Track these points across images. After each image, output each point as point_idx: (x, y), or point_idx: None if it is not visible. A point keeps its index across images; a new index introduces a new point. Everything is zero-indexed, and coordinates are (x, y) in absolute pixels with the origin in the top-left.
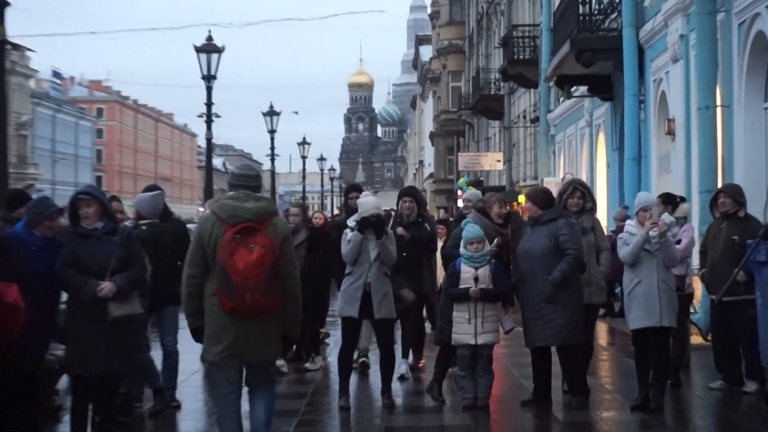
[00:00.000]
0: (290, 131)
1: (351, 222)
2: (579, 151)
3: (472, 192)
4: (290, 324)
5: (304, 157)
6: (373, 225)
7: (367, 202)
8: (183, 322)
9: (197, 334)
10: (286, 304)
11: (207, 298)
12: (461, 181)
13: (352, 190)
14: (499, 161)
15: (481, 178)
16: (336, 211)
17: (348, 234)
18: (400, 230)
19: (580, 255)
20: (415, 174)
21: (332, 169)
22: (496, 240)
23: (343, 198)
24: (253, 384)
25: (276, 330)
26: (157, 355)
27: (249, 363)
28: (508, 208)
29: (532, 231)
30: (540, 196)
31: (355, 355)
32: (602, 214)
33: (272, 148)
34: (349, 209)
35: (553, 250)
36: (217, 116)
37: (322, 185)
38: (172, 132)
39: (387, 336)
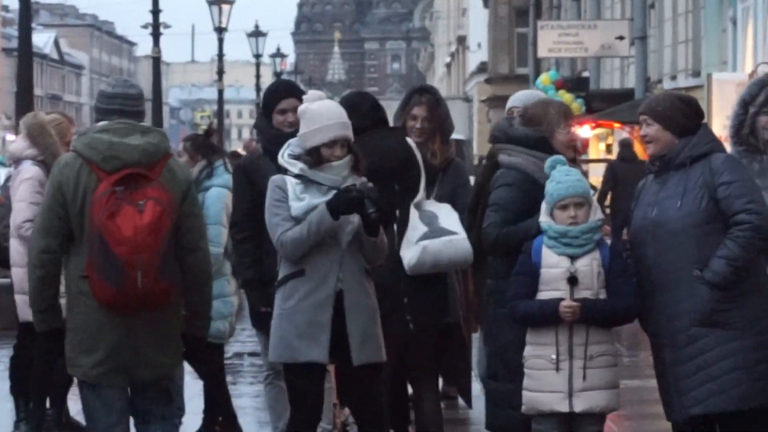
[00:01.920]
0: None
1: (289, 163)
2: None
3: (526, 94)
4: (196, 318)
5: (220, 30)
6: (364, 212)
7: (325, 111)
8: None
9: (52, 340)
10: (191, 290)
11: (71, 285)
12: (543, 79)
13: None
14: (621, 39)
15: (585, 74)
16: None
17: (289, 194)
18: None
19: (764, 221)
20: (449, 65)
21: (279, 54)
22: None
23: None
24: (144, 411)
25: (175, 330)
26: None
27: (138, 381)
28: (632, 132)
29: (660, 185)
30: (675, 111)
31: None
32: None
33: (155, 12)
34: None
35: (710, 219)
36: None
37: (258, 89)
38: None
39: (374, 398)
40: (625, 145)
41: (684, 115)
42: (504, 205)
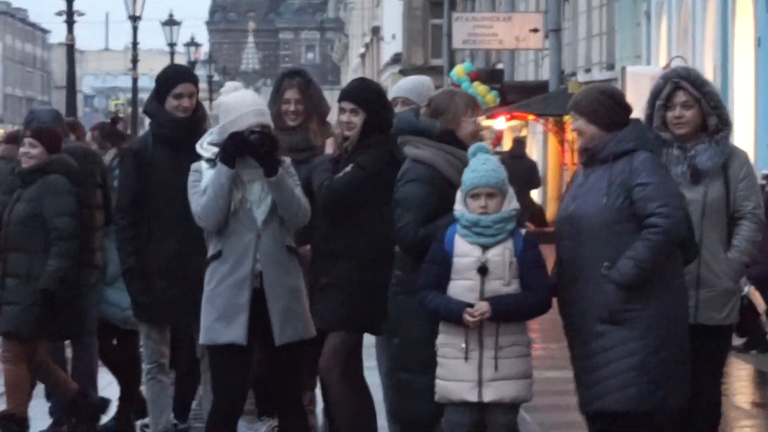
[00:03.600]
0: None
1: (205, 149)
2: (699, 15)
3: (412, 81)
4: None
5: (135, 18)
6: (253, 148)
7: (238, 102)
8: None
9: None
10: None
11: None
12: (458, 70)
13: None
14: (535, 31)
15: (499, 66)
16: None
17: (204, 174)
18: None
19: (674, 226)
20: (363, 55)
21: (193, 43)
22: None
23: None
24: None
25: None
26: None
27: None
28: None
29: (585, 178)
30: (598, 105)
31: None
32: (746, 142)
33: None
34: None
35: (623, 218)
36: None
37: None
38: None
39: (293, 380)
40: (517, 142)
41: (607, 107)
42: (416, 203)
